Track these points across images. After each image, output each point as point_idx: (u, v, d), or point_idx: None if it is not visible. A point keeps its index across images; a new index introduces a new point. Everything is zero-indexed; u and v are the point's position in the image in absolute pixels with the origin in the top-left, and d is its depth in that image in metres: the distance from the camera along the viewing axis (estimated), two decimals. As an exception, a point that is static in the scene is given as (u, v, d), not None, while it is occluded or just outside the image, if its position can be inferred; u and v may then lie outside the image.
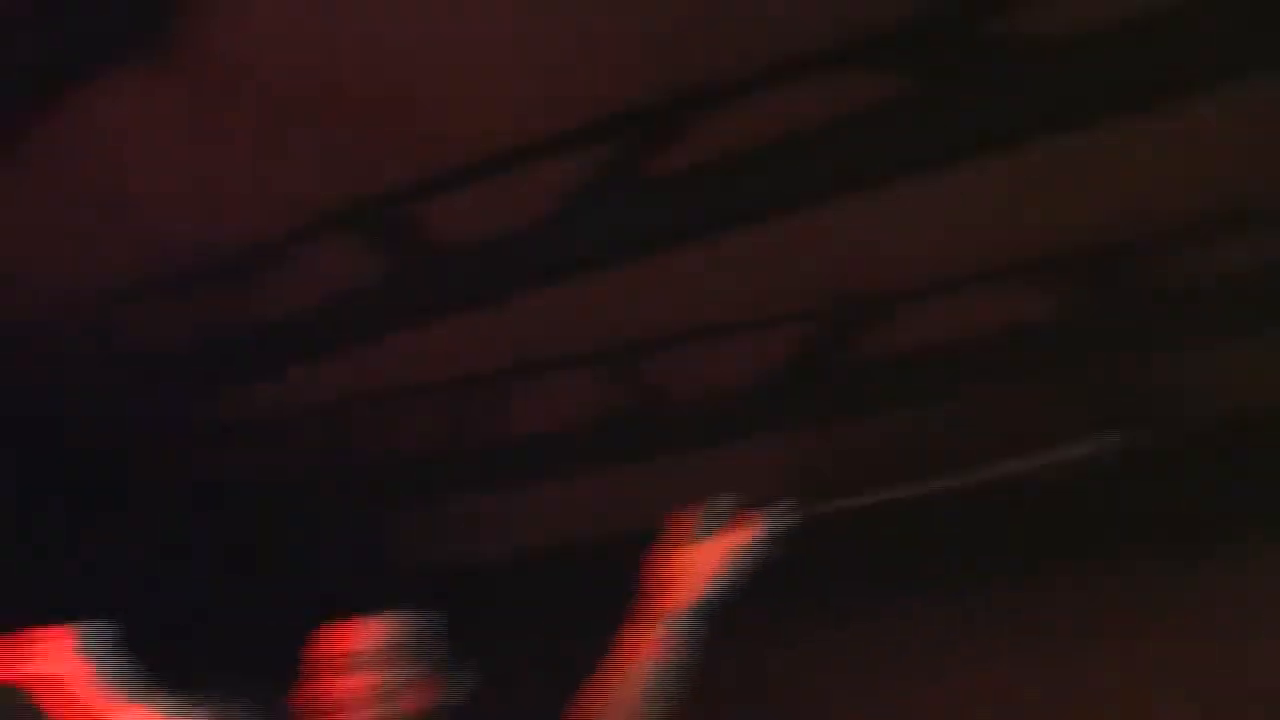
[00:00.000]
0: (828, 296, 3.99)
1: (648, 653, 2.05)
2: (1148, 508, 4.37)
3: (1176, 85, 2.79)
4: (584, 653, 2.25)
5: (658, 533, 2.19)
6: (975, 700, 4.75)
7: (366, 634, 2.35)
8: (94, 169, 3.47)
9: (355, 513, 5.35)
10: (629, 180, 3.28)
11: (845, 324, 4.08)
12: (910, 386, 4.16)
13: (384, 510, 5.38)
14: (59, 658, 2.61)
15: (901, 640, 4.97)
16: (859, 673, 5.00)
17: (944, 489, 4.63)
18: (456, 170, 3.42)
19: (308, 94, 3.14)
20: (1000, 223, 3.50)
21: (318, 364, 4.10)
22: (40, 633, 2.60)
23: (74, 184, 3.52)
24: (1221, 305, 3.67)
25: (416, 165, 3.44)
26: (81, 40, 2.94)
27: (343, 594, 2.65)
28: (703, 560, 2.04)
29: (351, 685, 2.26)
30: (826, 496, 4.78)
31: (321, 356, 4.04)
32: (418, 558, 5.43)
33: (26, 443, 4.67)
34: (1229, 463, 4.18)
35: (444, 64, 3.04)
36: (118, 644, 2.71)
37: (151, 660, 2.36)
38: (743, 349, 4.20)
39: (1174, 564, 4.47)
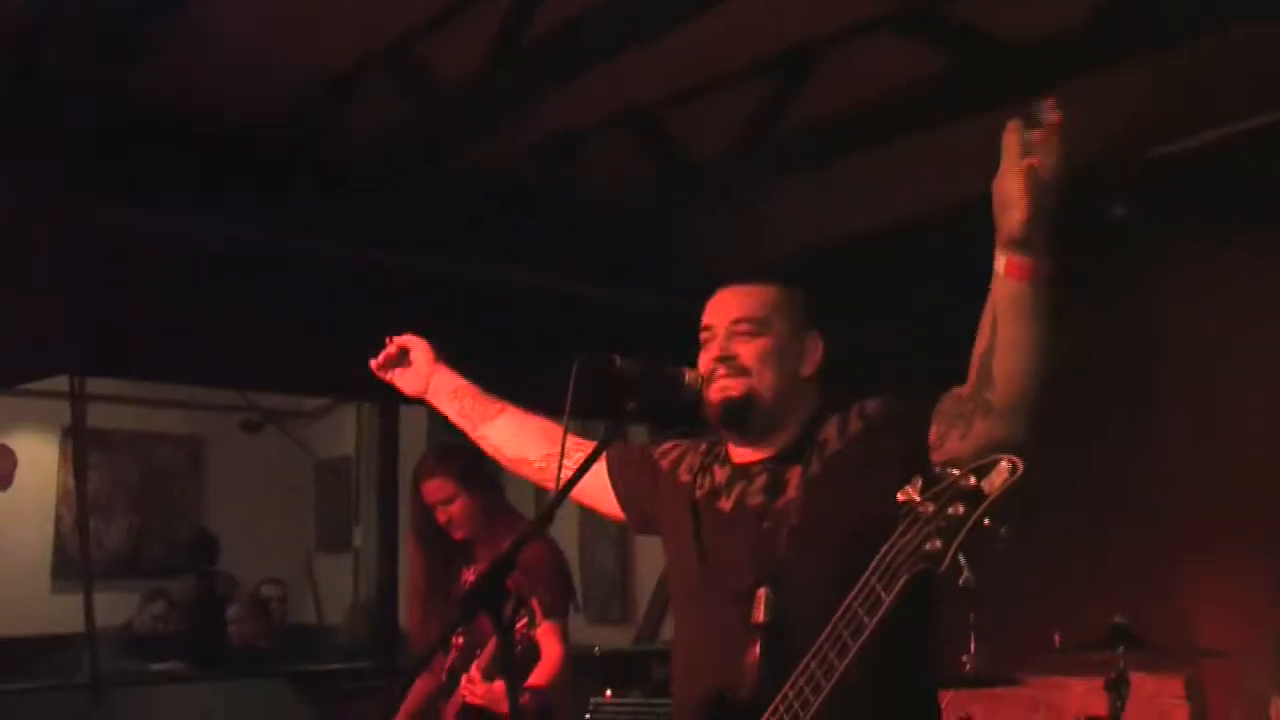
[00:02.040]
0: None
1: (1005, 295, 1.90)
2: None
3: None
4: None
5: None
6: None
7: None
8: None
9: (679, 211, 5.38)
10: None
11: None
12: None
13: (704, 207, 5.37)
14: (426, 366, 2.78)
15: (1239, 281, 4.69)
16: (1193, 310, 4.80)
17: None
18: None
19: None
20: None
21: (613, 65, 4.03)
22: (401, 341, 2.77)
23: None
24: None
25: None
26: None
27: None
28: (1024, 177, 1.80)
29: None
30: (1162, 136, 4.52)
31: (615, 56, 3.96)
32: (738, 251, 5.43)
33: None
34: None
35: None
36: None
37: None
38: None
39: None
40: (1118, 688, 3.70)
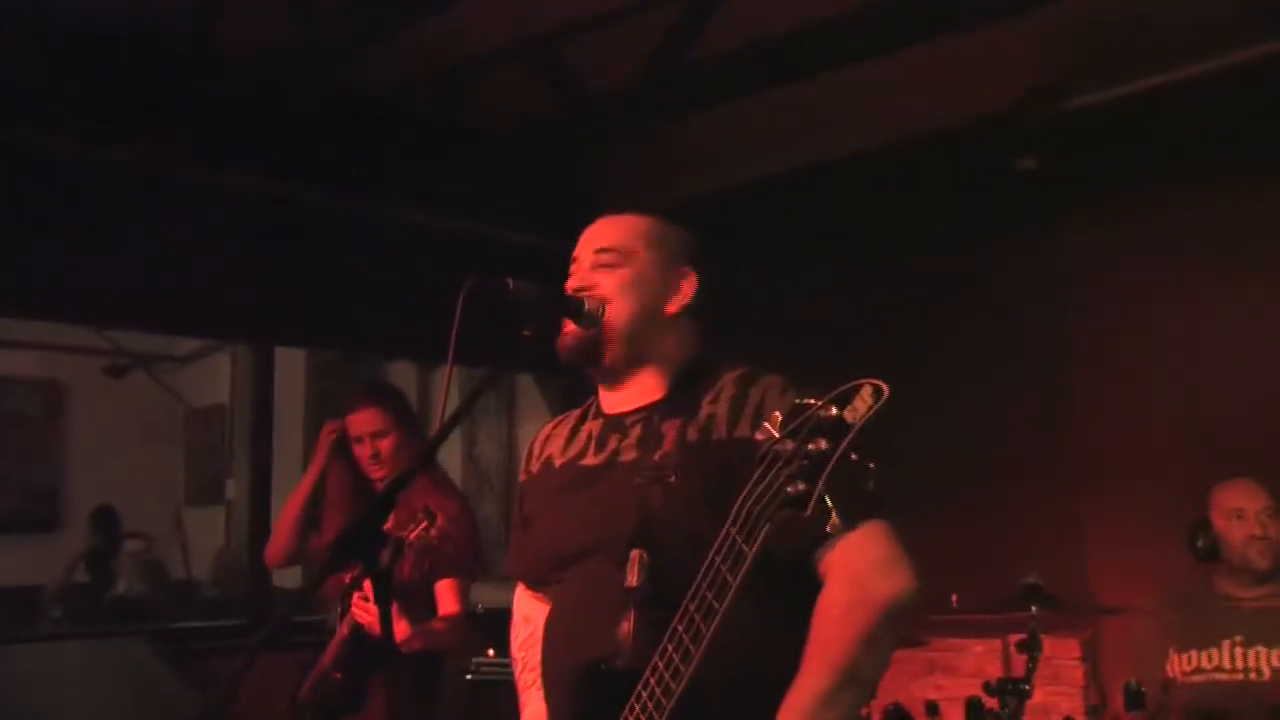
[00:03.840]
0: None
1: None
2: None
3: None
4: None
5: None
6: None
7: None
8: None
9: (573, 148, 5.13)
10: None
11: None
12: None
13: (605, 145, 5.13)
14: None
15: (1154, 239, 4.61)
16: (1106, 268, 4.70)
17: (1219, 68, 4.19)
18: None
19: None
20: None
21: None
22: None
23: None
24: None
25: None
26: None
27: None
28: None
29: None
30: (1093, 81, 4.41)
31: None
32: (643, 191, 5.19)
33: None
34: None
35: None
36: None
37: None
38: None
39: None
40: (1030, 648, 3.60)
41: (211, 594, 7.42)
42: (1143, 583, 4.28)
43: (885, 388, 1.50)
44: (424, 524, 3.25)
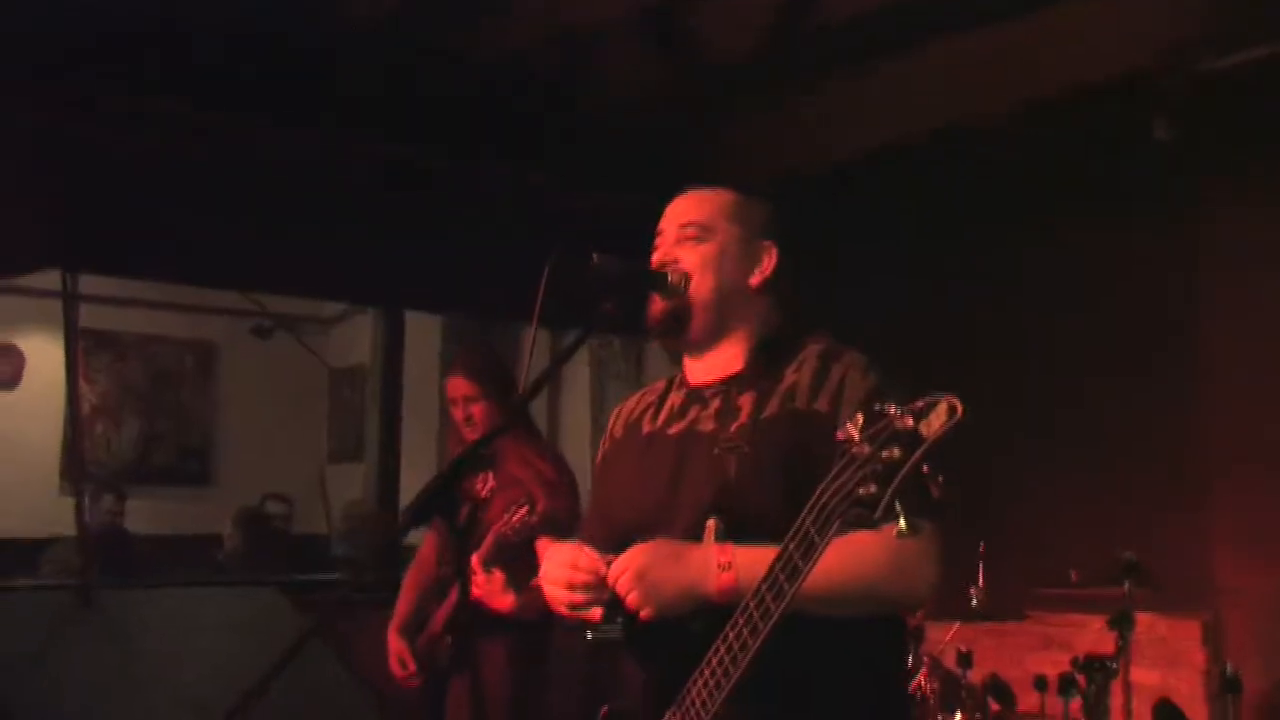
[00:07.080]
0: None
1: None
2: None
3: None
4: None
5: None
6: None
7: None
8: None
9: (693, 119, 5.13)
10: None
11: None
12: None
13: (723, 114, 5.11)
14: None
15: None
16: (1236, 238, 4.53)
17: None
18: None
19: None
20: None
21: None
22: None
23: None
24: None
25: None
26: None
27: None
28: None
29: None
30: (1217, 49, 4.22)
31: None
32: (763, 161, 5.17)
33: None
34: None
35: None
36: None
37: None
38: None
39: None
40: (1121, 625, 3.53)
41: (339, 550, 7.68)
42: (1270, 568, 4.14)
43: (960, 407, 1.54)
44: (524, 509, 3.32)
